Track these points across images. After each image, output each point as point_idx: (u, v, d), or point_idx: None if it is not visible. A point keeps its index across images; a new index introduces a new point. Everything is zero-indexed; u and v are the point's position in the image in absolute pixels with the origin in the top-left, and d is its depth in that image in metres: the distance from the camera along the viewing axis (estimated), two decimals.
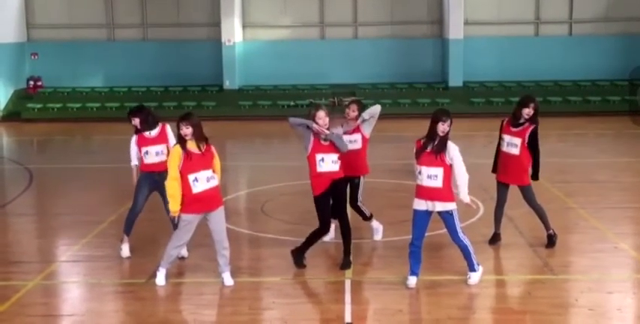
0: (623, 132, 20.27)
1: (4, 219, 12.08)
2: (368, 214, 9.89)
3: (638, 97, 24.02)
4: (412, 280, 8.21)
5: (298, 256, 8.94)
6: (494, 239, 9.77)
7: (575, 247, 9.82)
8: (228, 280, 8.38)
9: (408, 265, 8.23)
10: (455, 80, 25.19)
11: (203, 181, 8.08)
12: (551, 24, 26.08)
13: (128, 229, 9.52)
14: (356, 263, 8.98)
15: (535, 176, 9.42)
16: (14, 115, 24.76)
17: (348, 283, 8.38)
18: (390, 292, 8.10)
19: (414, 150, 8.06)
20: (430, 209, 8.01)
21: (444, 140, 7.92)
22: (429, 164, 7.91)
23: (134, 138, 9.37)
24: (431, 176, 7.90)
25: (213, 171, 8.20)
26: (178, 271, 8.97)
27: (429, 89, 25.42)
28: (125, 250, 9.49)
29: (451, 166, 7.91)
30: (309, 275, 8.78)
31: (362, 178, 9.62)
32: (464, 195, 8.02)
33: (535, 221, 9.76)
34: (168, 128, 9.36)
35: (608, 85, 25.10)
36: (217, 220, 8.26)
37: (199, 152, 8.08)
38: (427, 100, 24.48)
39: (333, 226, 9.78)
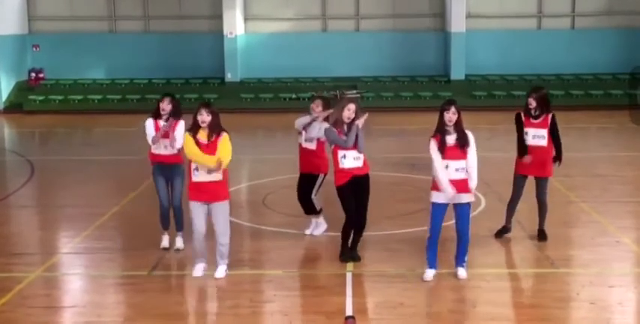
0: (626, 126, 20.24)
1: (5, 211, 12.09)
2: (318, 208, 9.93)
3: (639, 92, 23.99)
4: (430, 274, 8.21)
5: (346, 254, 8.86)
6: (502, 232, 9.73)
7: (576, 241, 9.82)
8: (218, 272, 8.35)
9: (410, 258, 8.26)
10: (457, 73, 25.18)
11: (203, 172, 8.07)
12: (554, 17, 26.02)
13: (163, 224, 9.46)
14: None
15: (559, 158, 9.40)
16: (16, 107, 24.78)
17: (349, 276, 8.38)
18: (391, 285, 8.10)
19: (435, 146, 7.98)
20: (455, 201, 8.02)
21: (462, 132, 7.98)
22: (455, 158, 7.96)
23: (151, 121, 9.15)
24: (458, 169, 7.97)
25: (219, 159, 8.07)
26: (180, 263, 8.98)
27: (431, 82, 25.40)
28: (165, 241, 9.44)
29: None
30: (311, 268, 8.79)
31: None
32: (473, 183, 8.03)
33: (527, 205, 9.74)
34: (182, 125, 9.15)
35: (611, 78, 25.07)
36: (216, 214, 8.24)
37: (206, 143, 8.05)
38: (429, 94, 24.47)
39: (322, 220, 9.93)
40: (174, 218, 9.45)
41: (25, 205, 12.45)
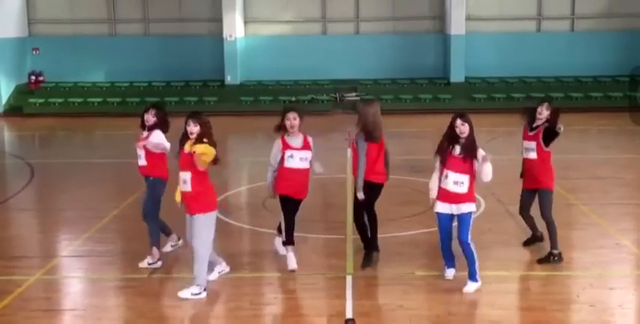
0: (625, 128, 20.24)
1: (6, 214, 12.09)
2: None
3: (639, 94, 24.01)
4: (449, 272, 8.27)
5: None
6: (531, 241, 9.54)
7: (576, 244, 9.82)
8: (184, 292, 7.92)
9: (410, 260, 8.33)
10: (456, 76, 25.18)
11: (181, 182, 7.90)
12: (553, 20, 26.04)
13: (162, 232, 9.39)
14: (358, 259, 8.98)
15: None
16: (16, 109, 24.78)
17: (349, 279, 8.38)
18: (391, 288, 8.11)
19: (441, 148, 7.92)
20: (455, 212, 7.95)
21: (472, 145, 7.77)
22: (457, 170, 7.79)
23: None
24: (457, 182, 7.80)
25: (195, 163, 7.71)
26: (179, 266, 8.97)
27: (431, 85, 25.41)
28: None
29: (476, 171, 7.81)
30: (311, 271, 8.78)
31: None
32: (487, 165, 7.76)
33: (537, 218, 9.71)
34: (157, 133, 8.84)
35: (610, 81, 25.08)
36: (191, 226, 7.93)
37: (188, 152, 7.77)
38: (429, 96, 24.50)
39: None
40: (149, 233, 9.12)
41: (25, 208, 12.45)
